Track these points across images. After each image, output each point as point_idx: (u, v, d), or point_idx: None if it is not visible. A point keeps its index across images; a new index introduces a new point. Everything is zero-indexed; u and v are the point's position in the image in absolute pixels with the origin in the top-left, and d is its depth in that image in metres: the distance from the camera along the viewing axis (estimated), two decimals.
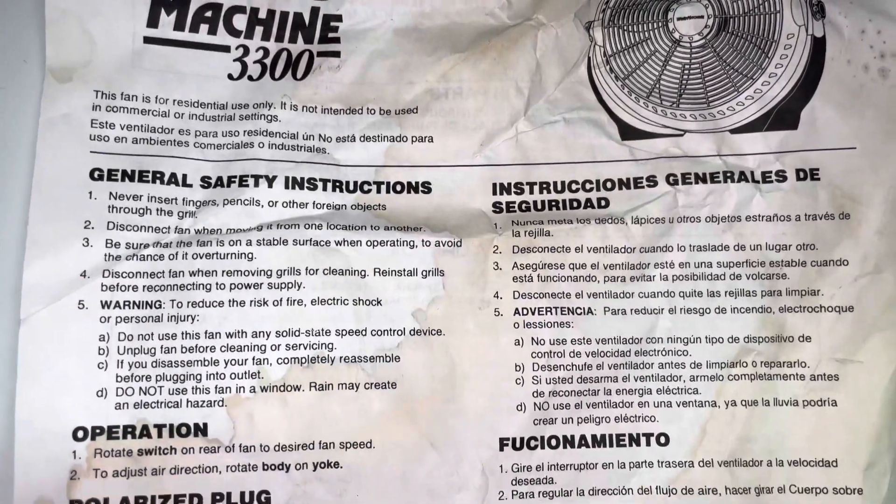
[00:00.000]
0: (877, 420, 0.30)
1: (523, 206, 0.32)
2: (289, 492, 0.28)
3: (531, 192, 0.32)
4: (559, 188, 0.32)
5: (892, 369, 0.30)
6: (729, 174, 0.31)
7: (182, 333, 0.29)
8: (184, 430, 0.28)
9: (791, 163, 0.31)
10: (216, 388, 0.29)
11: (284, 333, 0.29)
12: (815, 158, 0.31)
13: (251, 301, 0.29)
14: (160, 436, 0.28)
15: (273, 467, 0.29)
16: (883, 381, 0.30)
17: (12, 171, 0.29)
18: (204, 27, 0.31)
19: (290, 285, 0.30)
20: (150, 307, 0.29)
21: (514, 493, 0.30)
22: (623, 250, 0.31)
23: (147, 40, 0.31)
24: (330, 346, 0.29)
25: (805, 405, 0.30)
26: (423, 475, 0.29)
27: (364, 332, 0.30)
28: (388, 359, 0.30)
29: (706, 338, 0.31)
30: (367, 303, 0.30)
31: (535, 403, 0.30)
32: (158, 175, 0.30)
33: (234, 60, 0.31)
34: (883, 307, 0.30)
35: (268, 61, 0.31)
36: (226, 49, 0.31)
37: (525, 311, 0.31)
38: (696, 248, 0.31)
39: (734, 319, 0.31)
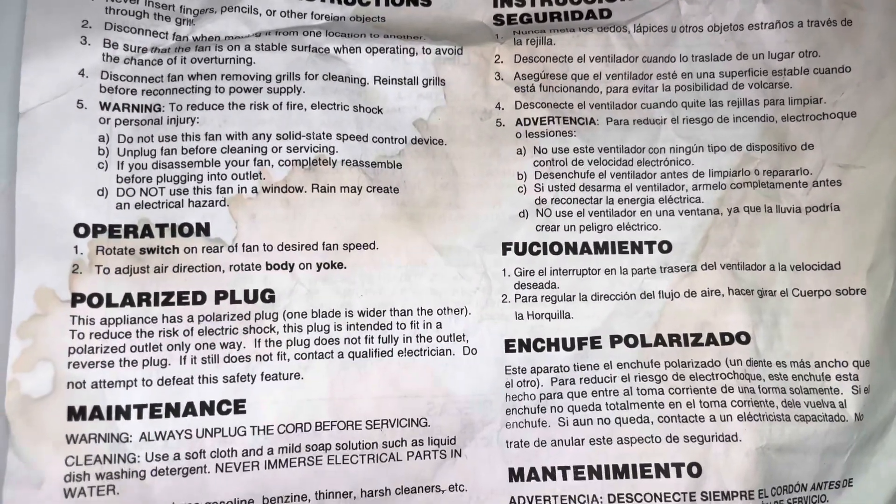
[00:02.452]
0: (880, 223, 0.30)
1: (524, 18, 0.31)
2: (293, 291, 0.28)
3: (532, 4, 0.32)
4: (561, 0, 0.32)
5: (895, 173, 0.30)
6: None
7: (182, 135, 0.29)
8: (186, 229, 0.28)
9: None
10: (218, 188, 0.28)
11: (285, 136, 0.29)
12: None
13: (251, 104, 0.29)
14: (162, 235, 0.28)
15: (277, 266, 0.29)
16: (885, 185, 0.30)
17: None
18: None
19: (289, 90, 0.29)
20: (150, 110, 0.29)
21: (518, 296, 0.30)
22: (626, 59, 0.31)
23: None
24: (331, 149, 0.29)
25: (808, 211, 0.30)
26: (428, 278, 0.29)
27: (365, 139, 0.30)
28: (389, 165, 0.30)
29: (708, 147, 0.31)
30: (368, 110, 0.30)
31: (537, 210, 0.30)
32: None
33: None
34: (885, 112, 0.30)
35: None
36: None
37: (527, 122, 0.31)
38: (699, 58, 0.31)
39: (736, 128, 0.31)
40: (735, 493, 0.28)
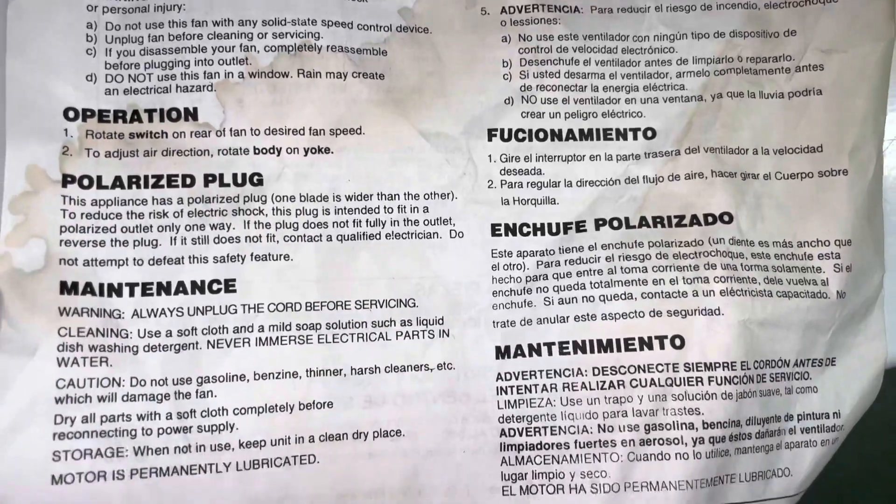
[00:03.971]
0: (862, 106, 0.30)
1: None
2: (281, 175, 0.29)
3: None
4: None
5: (877, 56, 0.30)
6: None
7: (169, 22, 0.29)
8: (174, 114, 0.29)
9: None
10: (205, 73, 0.29)
11: (271, 22, 0.29)
12: None
13: None
14: (151, 120, 0.29)
15: (264, 151, 0.29)
16: (867, 69, 0.30)
17: None
18: None
19: None
20: None
21: (503, 182, 0.30)
22: None
23: None
24: (316, 35, 0.29)
25: (790, 96, 0.31)
26: (415, 163, 0.30)
27: (350, 25, 0.30)
28: (375, 52, 0.30)
29: (692, 34, 0.31)
30: None
31: (522, 97, 0.30)
32: None
33: None
34: None
35: None
36: None
37: (512, 10, 0.31)
38: None
39: (720, 16, 0.31)
40: (717, 364, 0.28)
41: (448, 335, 0.29)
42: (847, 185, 0.30)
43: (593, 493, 0.28)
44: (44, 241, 0.27)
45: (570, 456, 0.28)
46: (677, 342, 0.28)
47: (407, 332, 0.29)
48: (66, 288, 0.27)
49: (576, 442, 0.28)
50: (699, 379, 0.28)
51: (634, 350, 0.28)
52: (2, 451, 0.25)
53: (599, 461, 0.28)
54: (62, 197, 0.27)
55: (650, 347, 0.28)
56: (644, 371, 0.28)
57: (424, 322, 0.29)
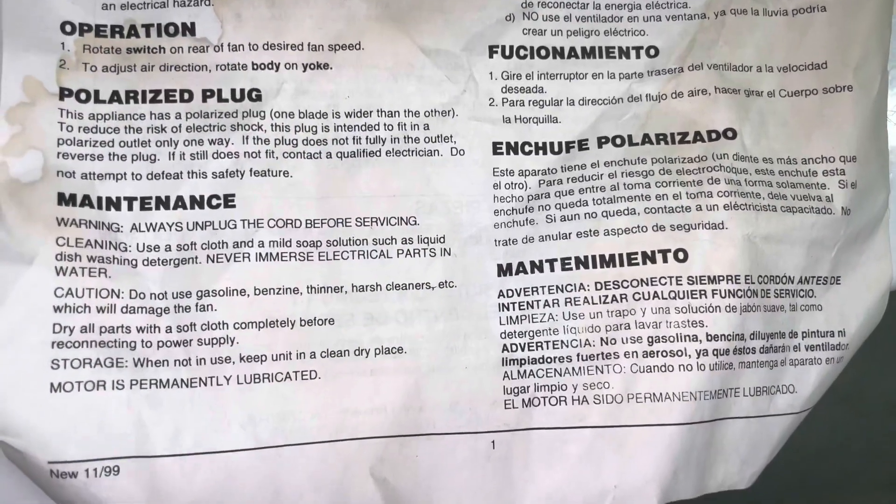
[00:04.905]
0: (866, 22, 0.30)
1: None
2: (279, 91, 0.28)
3: None
4: None
5: None
6: None
7: None
8: (171, 29, 0.28)
9: None
10: None
11: None
12: None
13: None
14: (148, 35, 0.28)
15: (262, 66, 0.29)
16: None
17: None
18: None
19: None
20: None
21: (505, 100, 0.30)
22: None
23: None
24: None
25: (794, 13, 0.30)
26: (415, 80, 0.29)
27: None
28: None
29: None
30: None
31: (524, 14, 0.30)
32: None
33: None
34: None
35: None
36: None
37: None
38: None
39: None
40: (721, 278, 0.28)
41: (449, 253, 0.29)
42: (852, 101, 0.30)
43: (596, 403, 0.28)
44: (41, 152, 0.27)
45: (573, 369, 0.28)
46: (681, 256, 0.28)
47: (408, 250, 0.29)
48: (64, 199, 0.27)
49: (578, 355, 0.28)
50: (703, 292, 0.28)
51: (637, 264, 0.28)
52: (1, 358, 0.25)
53: (602, 373, 0.28)
54: (59, 110, 0.27)
55: (653, 261, 0.28)
56: (647, 284, 0.28)
57: (425, 240, 0.29)
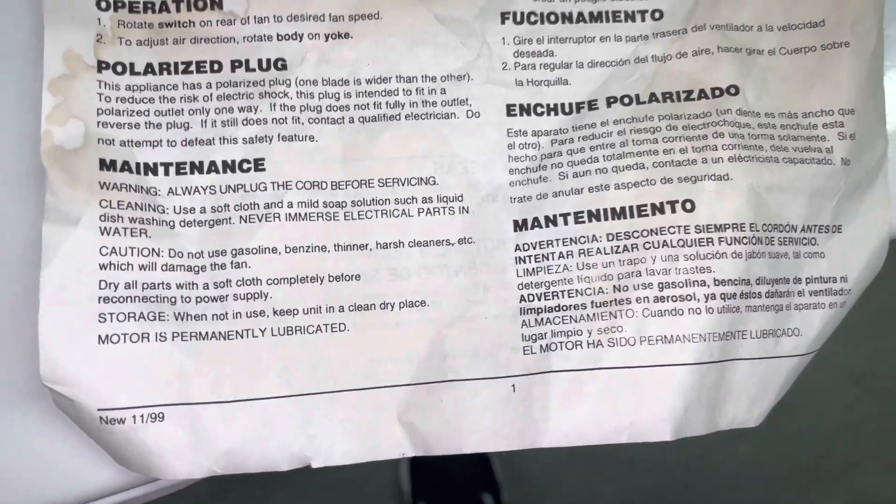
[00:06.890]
0: None
1: None
2: (304, 60, 0.30)
3: None
4: None
5: None
6: None
7: None
8: (200, 4, 0.30)
9: None
10: None
11: None
12: None
13: None
14: (178, 10, 0.30)
15: (287, 37, 0.30)
16: None
17: None
18: None
19: None
20: None
21: (517, 64, 0.31)
22: None
23: None
24: None
25: None
26: (431, 47, 0.31)
27: None
28: None
29: None
30: None
31: None
32: None
33: None
34: None
35: None
36: None
37: None
38: None
39: None
40: (727, 226, 0.29)
41: (467, 211, 0.30)
42: (849, 56, 0.31)
43: (610, 346, 0.29)
44: (82, 121, 0.28)
45: (588, 315, 0.30)
46: (688, 206, 0.30)
47: (428, 208, 0.30)
48: (105, 165, 0.28)
49: (592, 302, 0.30)
50: (710, 240, 0.29)
51: (647, 215, 0.30)
52: (51, 312, 0.27)
53: (615, 318, 0.29)
54: (98, 81, 0.29)
55: (662, 212, 0.30)
56: (656, 234, 0.29)
57: (444, 199, 0.30)
